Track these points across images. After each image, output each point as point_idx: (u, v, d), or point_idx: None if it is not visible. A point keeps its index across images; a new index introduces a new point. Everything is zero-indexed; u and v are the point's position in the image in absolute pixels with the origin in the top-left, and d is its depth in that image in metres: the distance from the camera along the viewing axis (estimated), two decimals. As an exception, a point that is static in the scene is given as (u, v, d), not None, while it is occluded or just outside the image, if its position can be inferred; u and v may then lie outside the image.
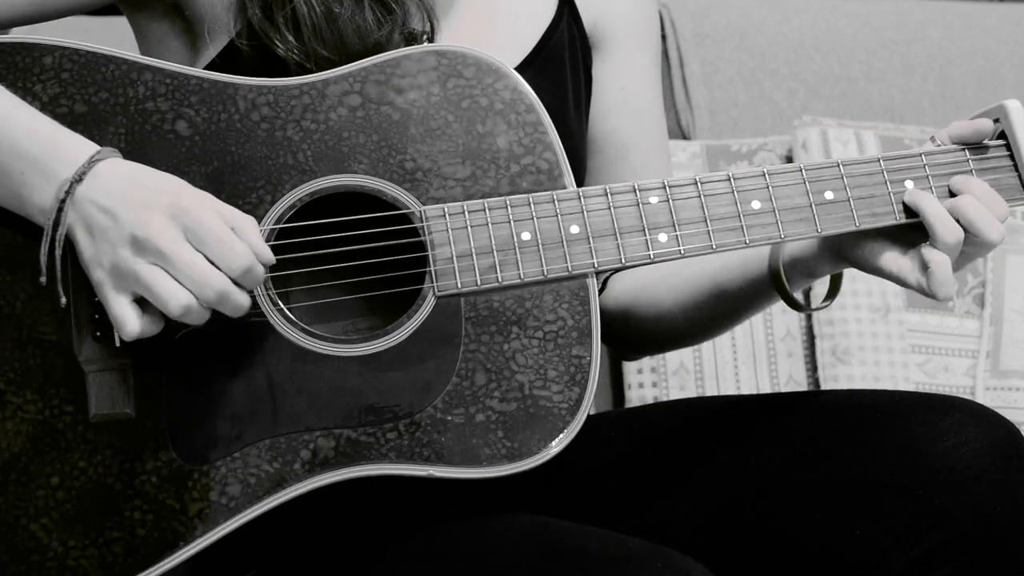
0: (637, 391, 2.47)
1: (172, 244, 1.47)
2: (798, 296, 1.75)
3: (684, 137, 2.69)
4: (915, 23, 2.83)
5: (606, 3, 1.87)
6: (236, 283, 1.49)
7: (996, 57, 2.82)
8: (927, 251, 1.62)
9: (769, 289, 1.74)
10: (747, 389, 2.48)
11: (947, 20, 2.85)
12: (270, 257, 1.51)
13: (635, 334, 1.88)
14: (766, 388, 2.48)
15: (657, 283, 1.84)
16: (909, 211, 1.64)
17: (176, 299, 1.46)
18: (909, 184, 1.64)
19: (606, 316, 1.86)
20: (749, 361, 2.50)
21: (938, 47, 2.81)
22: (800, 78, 2.74)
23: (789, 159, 2.62)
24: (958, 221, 1.62)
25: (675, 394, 2.46)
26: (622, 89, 1.87)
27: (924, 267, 1.62)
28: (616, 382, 2.53)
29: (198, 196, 1.50)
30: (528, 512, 1.66)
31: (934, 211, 1.62)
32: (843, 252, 1.68)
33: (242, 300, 1.49)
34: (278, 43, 1.65)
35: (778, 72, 2.74)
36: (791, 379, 2.50)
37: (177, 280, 1.47)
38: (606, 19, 1.87)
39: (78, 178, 1.50)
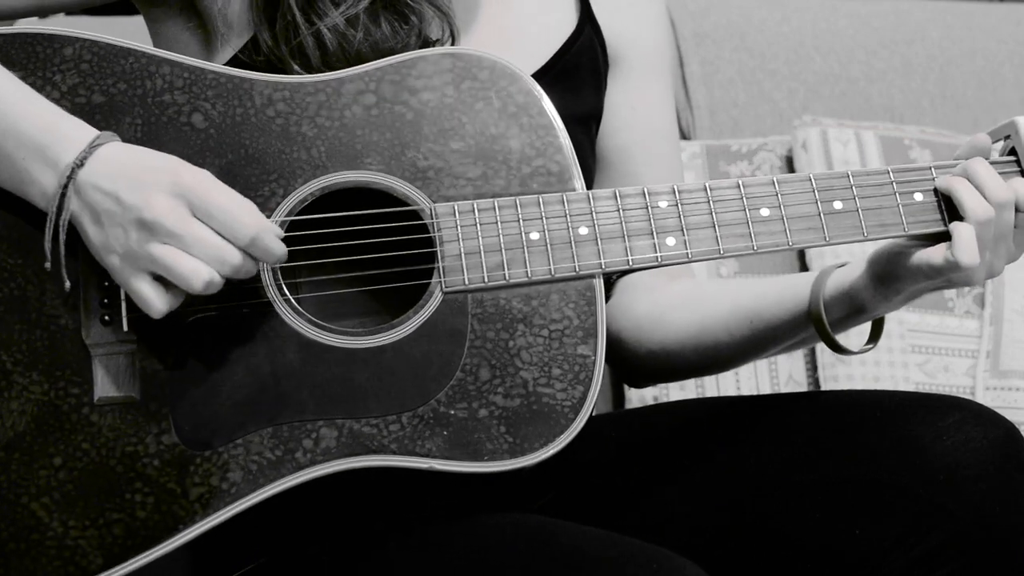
0: (637, 391, 2.47)
1: (181, 222, 1.49)
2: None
3: (684, 137, 2.70)
4: (915, 23, 2.84)
5: (626, 27, 1.87)
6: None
7: (996, 57, 2.83)
8: (953, 225, 1.62)
9: (807, 326, 1.73)
10: (747, 389, 2.48)
11: (947, 20, 2.85)
12: (276, 229, 1.53)
13: (651, 361, 1.86)
14: (766, 388, 2.48)
15: (681, 309, 1.83)
16: (917, 223, 1.64)
17: (198, 275, 1.49)
18: (918, 196, 1.65)
19: (621, 342, 1.85)
20: (749, 361, 2.50)
21: (938, 47, 2.82)
22: (800, 78, 2.74)
23: (789, 159, 2.62)
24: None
25: (675, 394, 2.46)
26: (633, 109, 1.87)
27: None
28: (616, 382, 2.53)
29: (198, 173, 1.52)
30: (527, 511, 1.66)
31: (965, 188, 1.62)
32: (878, 269, 1.67)
33: (252, 268, 1.52)
34: (287, 68, 1.66)
35: (778, 72, 2.74)
36: (791, 379, 2.50)
37: (193, 255, 1.49)
38: (625, 41, 1.87)
39: (79, 163, 1.51)
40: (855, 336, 1.82)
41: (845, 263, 1.72)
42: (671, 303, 1.84)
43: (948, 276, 1.62)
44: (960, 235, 1.61)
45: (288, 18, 1.67)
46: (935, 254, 1.62)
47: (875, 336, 1.75)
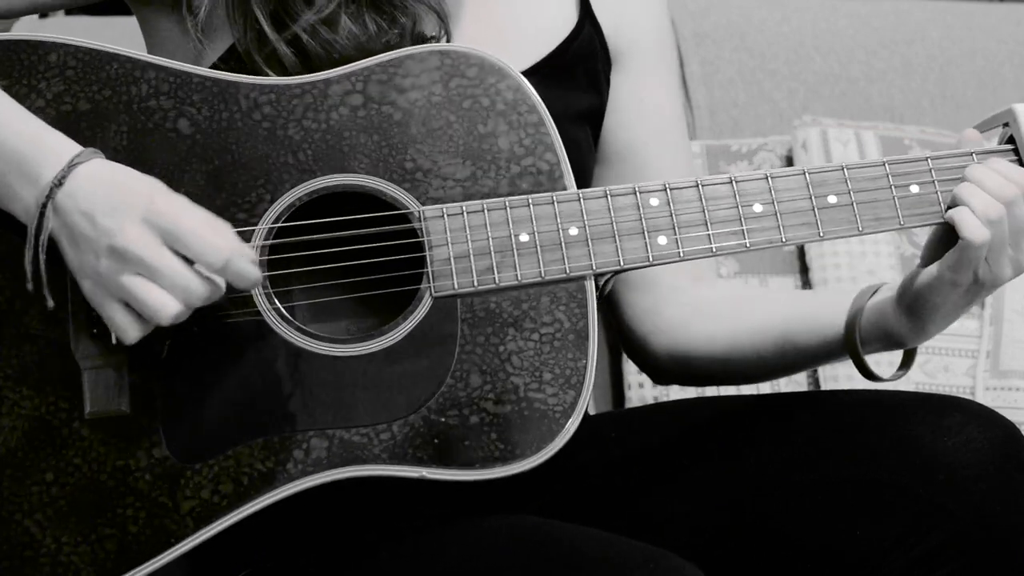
0: (637, 391, 2.46)
1: (150, 251, 1.47)
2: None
3: (684, 137, 2.69)
4: (915, 23, 2.83)
5: (627, 23, 1.86)
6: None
7: (996, 57, 2.82)
8: (948, 213, 1.61)
9: (840, 351, 1.72)
10: (747, 389, 2.46)
11: (947, 20, 2.85)
12: (250, 253, 1.51)
13: (676, 366, 1.85)
14: (766, 388, 2.47)
15: (710, 320, 1.82)
16: (913, 216, 1.63)
17: (165, 309, 1.47)
18: (914, 188, 1.63)
19: (647, 345, 1.85)
20: (749, 361, 2.49)
21: (938, 47, 2.81)
22: (800, 78, 2.74)
23: (789, 159, 2.62)
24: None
25: (675, 394, 2.46)
26: (641, 101, 1.85)
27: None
28: (616, 382, 2.52)
29: (173, 198, 1.50)
30: (524, 513, 1.66)
31: (971, 191, 1.61)
32: (908, 301, 1.65)
33: (221, 293, 1.50)
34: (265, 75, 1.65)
35: (778, 72, 2.74)
36: (791, 379, 2.49)
37: (162, 287, 1.47)
38: (627, 39, 1.85)
39: (58, 182, 1.49)
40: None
41: (879, 286, 1.71)
42: (700, 310, 1.83)
43: (970, 269, 1.60)
44: (960, 217, 1.59)
45: (256, 28, 1.65)
46: (949, 255, 1.61)
47: (907, 362, 1.74)
